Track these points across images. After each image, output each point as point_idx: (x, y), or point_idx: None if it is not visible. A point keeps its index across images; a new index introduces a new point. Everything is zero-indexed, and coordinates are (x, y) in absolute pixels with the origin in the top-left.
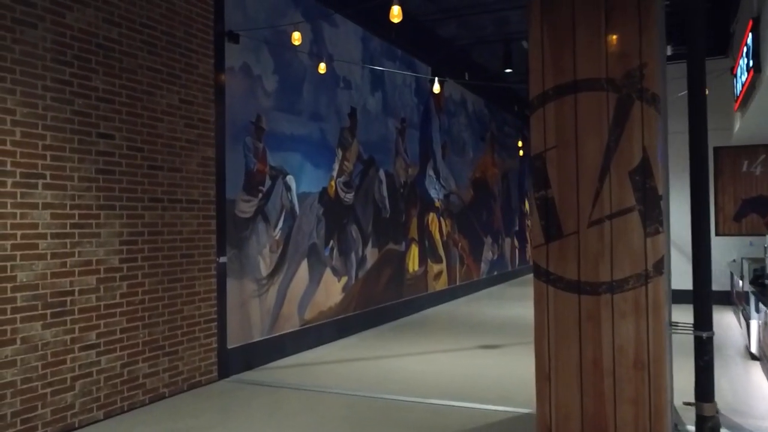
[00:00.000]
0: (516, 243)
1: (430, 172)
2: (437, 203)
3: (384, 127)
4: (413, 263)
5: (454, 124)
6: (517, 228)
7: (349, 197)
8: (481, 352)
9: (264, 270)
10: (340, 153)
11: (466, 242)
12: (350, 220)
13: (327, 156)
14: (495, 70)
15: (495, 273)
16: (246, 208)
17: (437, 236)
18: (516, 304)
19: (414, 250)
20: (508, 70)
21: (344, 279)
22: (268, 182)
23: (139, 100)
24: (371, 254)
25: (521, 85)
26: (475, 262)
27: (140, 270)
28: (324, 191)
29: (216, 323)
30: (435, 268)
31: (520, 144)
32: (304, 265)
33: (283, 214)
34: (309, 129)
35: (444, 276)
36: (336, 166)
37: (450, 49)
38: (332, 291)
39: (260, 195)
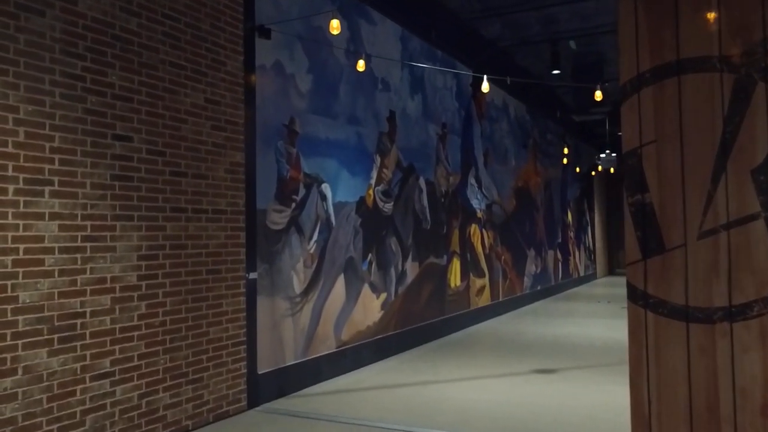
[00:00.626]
0: (559, 255)
1: (472, 180)
2: (479, 214)
3: (424, 132)
4: (455, 278)
5: (496, 130)
6: (559, 240)
7: (388, 207)
8: (536, 378)
9: (298, 287)
10: (378, 160)
11: (509, 255)
12: (389, 231)
13: (365, 163)
14: (538, 73)
15: (538, 287)
16: (278, 218)
17: (479, 249)
18: (564, 322)
19: (456, 264)
20: (555, 72)
21: (383, 295)
22: (302, 191)
23: (161, 98)
24: (411, 268)
25: (564, 88)
26: (518, 276)
27: (161, 288)
28: (362, 201)
29: (245, 346)
30: (477, 282)
31: (565, 151)
32: (340, 281)
33: (319, 225)
34: (346, 133)
35: (487, 291)
36: (374, 174)
37: (492, 50)
38: (371, 309)
39: (294, 204)
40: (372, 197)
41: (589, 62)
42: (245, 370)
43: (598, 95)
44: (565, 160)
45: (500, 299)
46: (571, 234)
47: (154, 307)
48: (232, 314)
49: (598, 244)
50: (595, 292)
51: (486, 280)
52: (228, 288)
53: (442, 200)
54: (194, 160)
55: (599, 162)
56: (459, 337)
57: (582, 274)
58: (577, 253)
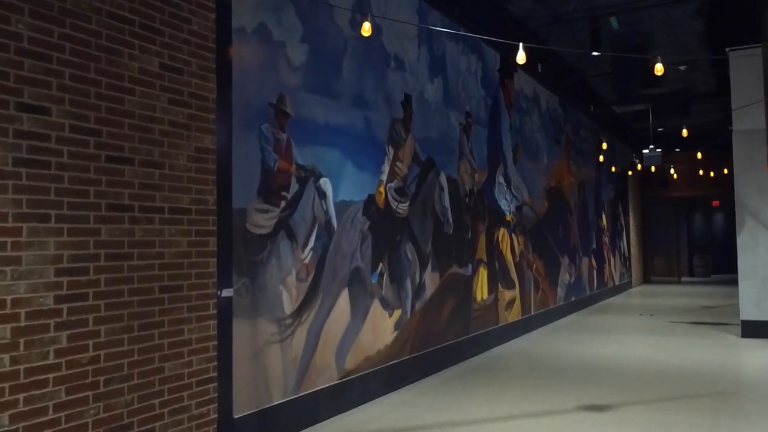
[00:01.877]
0: (594, 263)
1: (500, 179)
2: (508, 217)
3: (445, 121)
4: (482, 290)
5: (526, 123)
6: (594, 245)
7: (402, 208)
8: (586, 418)
9: (288, 305)
10: (391, 151)
11: (541, 263)
12: (405, 236)
13: (374, 154)
14: (573, 60)
15: (572, 299)
16: (263, 220)
17: (509, 256)
18: (606, 340)
19: (482, 274)
20: (595, 53)
21: (397, 313)
22: (294, 186)
23: (95, 59)
24: (431, 280)
25: (601, 78)
26: (551, 287)
27: (92, 313)
28: (371, 200)
29: (216, 384)
30: (507, 295)
31: (604, 146)
32: (344, 297)
33: (316, 229)
34: (350, 118)
35: (517, 304)
36: (386, 168)
37: (522, 31)
38: (382, 329)
39: (283, 203)
40: (383, 196)
41: (633, 44)
42: (215, 415)
43: (659, 69)
44: (601, 158)
45: (532, 312)
46: (606, 239)
47: (80, 339)
48: (197, 344)
49: (633, 250)
50: (633, 302)
51: (516, 292)
52: (192, 310)
53: (467, 200)
54: (143, 142)
55: (639, 160)
56: (487, 359)
57: (617, 282)
58: (612, 260)
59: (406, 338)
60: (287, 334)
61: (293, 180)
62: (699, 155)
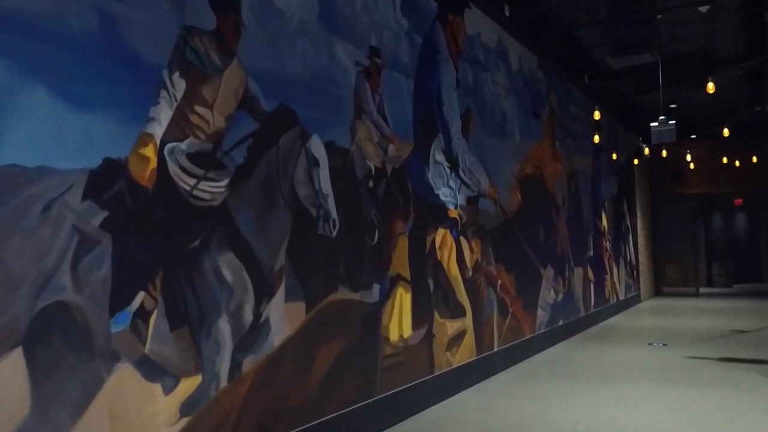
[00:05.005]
0: (591, 275)
1: (437, 155)
2: (453, 212)
3: (325, 54)
4: (400, 324)
5: (485, 82)
6: (591, 253)
7: (210, 189)
8: None
9: None
10: (179, 84)
11: (510, 278)
12: (214, 241)
13: (128, 83)
14: (553, 4)
15: (560, 322)
16: None
17: (454, 270)
18: (599, 393)
19: (401, 299)
20: None
21: (189, 383)
22: None
23: None
24: (285, 315)
25: (594, 32)
26: (527, 310)
27: None
28: (114, 170)
29: None
30: (450, 327)
31: (597, 115)
32: (12, 364)
33: None
34: (55, 4)
35: (468, 340)
36: (164, 114)
37: None
38: (144, 418)
39: None
40: (154, 164)
41: None
42: None
43: None
44: (596, 138)
45: (495, 349)
46: (607, 244)
47: None
48: None
49: (642, 257)
50: (641, 324)
51: (467, 321)
52: None
53: (370, 185)
54: None
55: (647, 144)
56: None
57: (622, 297)
58: (615, 271)
59: (217, 425)
60: None
61: None
62: (726, 132)
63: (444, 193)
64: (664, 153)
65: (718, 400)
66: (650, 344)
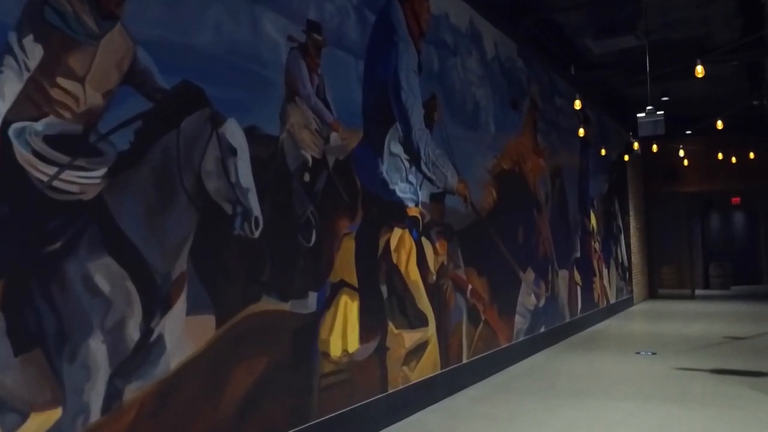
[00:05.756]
0: (578, 277)
1: (393, 147)
2: (413, 210)
3: (247, 27)
4: (344, 336)
5: (454, 68)
6: (578, 254)
7: (78, 180)
8: None
9: None
10: (33, 50)
11: (483, 282)
12: (84, 242)
13: None
14: None
15: (541, 329)
16: None
17: (414, 274)
18: (575, 413)
19: (346, 308)
20: None
21: (40, 421)
22: None
23: None
24: (187, 330)
25: (577, 16)
26: (503, 316)
27: None
28: None
29: None
30: (408, 339)
31: (577, 105)
32: None
33: None
34: None
35: (431, 352)
36: (4, 84)
37: None
38: None
39: None
40: None
41: None
42: None
43: None
44: (581, 131)
45: (464, 361)
46: (597, 245)
47: None
48: None
49: (635, 258)
50: (632, 329)
51: (429, 331)
52: None
53: (306, 178)
54: None
55: (637, 137)
56: None
57: (613, 300)
58: (605, 273)
59: None
60: None
61: None
62: (720, 124)
63: (402, 189)
64: (655, 148)
65: (707, 420)
66: (638, 353)
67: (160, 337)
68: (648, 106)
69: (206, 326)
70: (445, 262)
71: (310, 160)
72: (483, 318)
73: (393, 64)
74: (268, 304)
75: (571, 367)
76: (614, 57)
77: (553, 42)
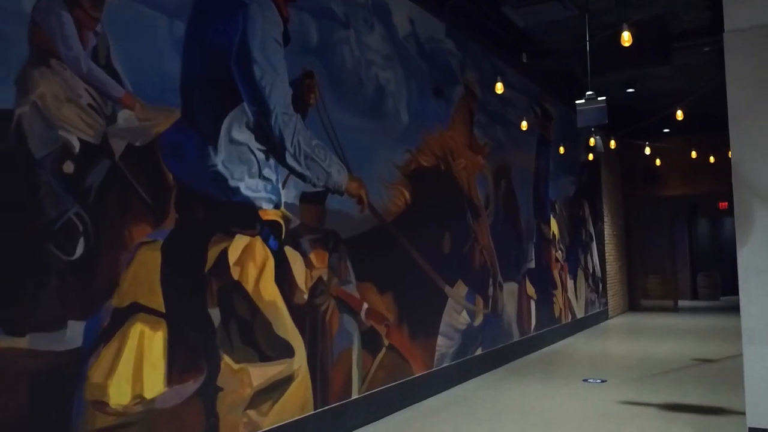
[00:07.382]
0: (531, 290)
1: (237, 132)
2: (272, 213)
3: None
4: (134, 380)
5: (344, 42)
6: (532, 264)
7: None
8: None
9: None
10: None
11: (387, 299)
12: None
13: None
14: None
15: (477, 352)
16: None
17: (270, 294)
18: None
19: (141, 342)
20: None
21: None
22: None
23: None
24: None
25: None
26: (417, 340)
27: None
28: None
29: None
30: (258, 375)
31: (498, 88)
32: None
33: None
34: None
35: (298, 389)
36: None
37: None
38: None
39: None
40: None
41: None
42: None
43: None
44: (524, 124)
45: (354, 396)
46: (558, 254)
47: None
48: None
49: (611, 267)
50: (590, 350)
51: (295, 363)
52: None
53: (69, 169)
54: None
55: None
56: None
57: (581, 314)
58: (569, 284)
59: None
60: None
61: None
62: (680, 114)
63: (251, 186)
64: (613, 144)
65: None
66: (585, 381)
67: None
68: (589, 90)
69: None
70: (325, 278)
71: (76, 144)
72: (386, 343)
73: (237, 30)
74: None
75: (498, 399)
76: (567, 43)
77: (494, 25)
